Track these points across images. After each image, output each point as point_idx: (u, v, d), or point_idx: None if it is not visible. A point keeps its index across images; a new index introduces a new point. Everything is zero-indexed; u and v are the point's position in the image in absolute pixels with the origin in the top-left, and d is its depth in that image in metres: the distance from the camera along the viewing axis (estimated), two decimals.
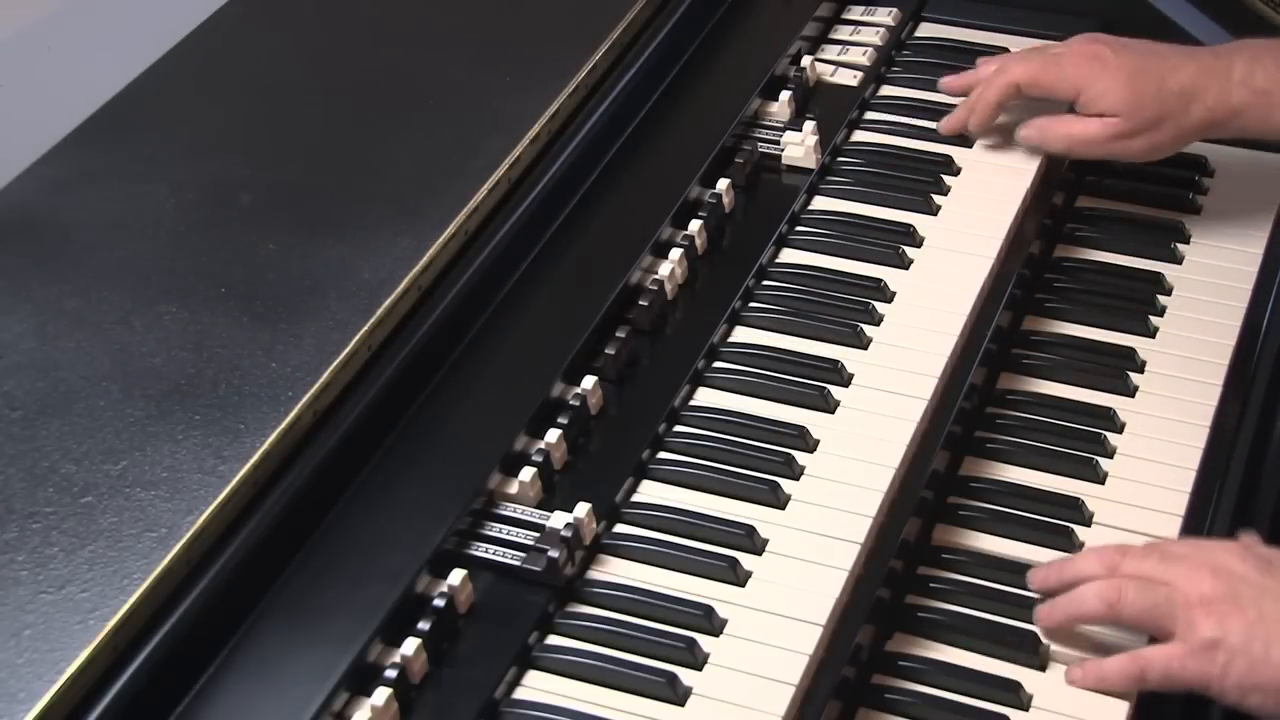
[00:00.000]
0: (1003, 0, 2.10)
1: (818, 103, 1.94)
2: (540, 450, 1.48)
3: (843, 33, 2.07)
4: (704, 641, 1.38)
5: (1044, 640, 1.49)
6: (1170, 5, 2.03)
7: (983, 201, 1.83)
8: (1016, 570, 1.54)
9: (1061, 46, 1.86)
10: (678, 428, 1.58)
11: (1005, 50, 2.05)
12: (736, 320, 1.69)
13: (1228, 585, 1.40)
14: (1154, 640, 1.44)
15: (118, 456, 1.36)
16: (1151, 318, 1.81)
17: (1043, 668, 1.48)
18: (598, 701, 1.34)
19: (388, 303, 1.50)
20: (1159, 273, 1.86)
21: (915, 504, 1.56)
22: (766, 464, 1.53)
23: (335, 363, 1.44)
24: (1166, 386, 1.73)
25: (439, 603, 1.35)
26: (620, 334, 1.60)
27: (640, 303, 1.64)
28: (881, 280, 1.73)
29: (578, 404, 1.53)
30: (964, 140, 1.92)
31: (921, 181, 1.86)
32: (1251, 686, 1.37)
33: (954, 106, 1.94)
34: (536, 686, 1.36)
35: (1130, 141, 1.79)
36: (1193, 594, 1.40)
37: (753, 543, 1.46)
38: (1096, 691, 1.44)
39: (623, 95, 1.81)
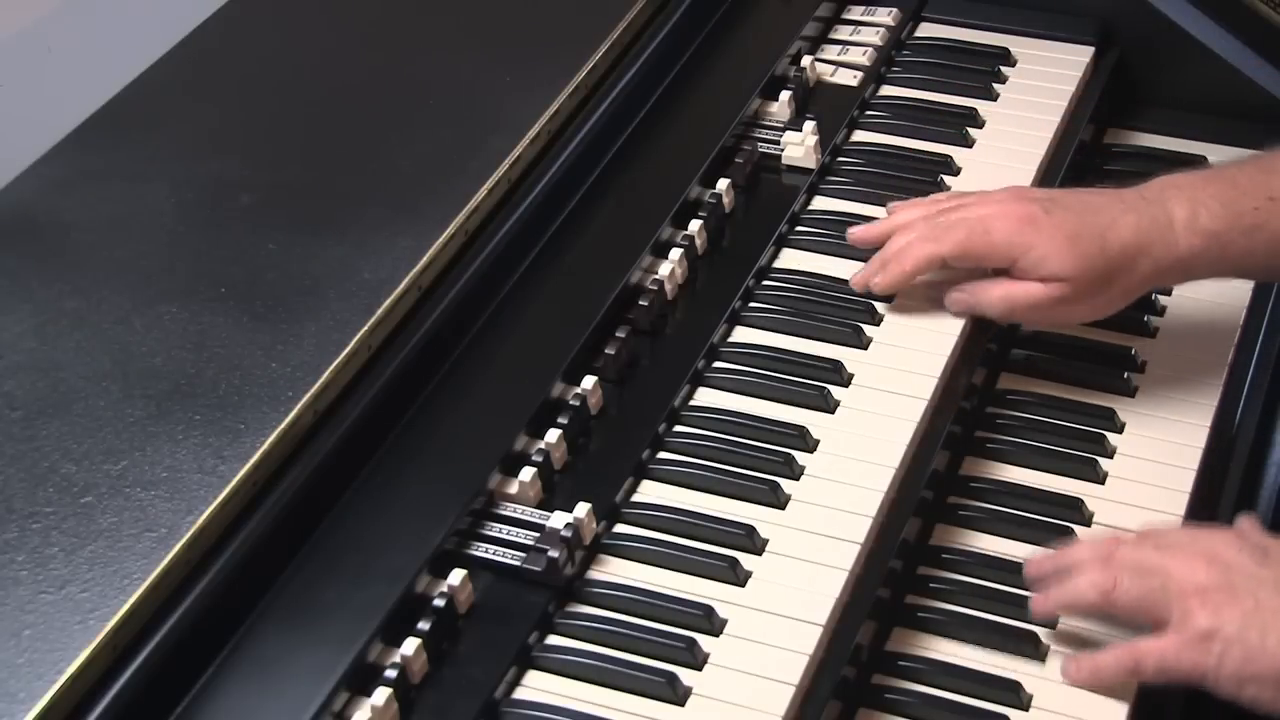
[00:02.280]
0: (1003, 0, 2.10)
1: (818, 103, 1.94)
2: (540, 450, 1.48)
3: (843, 33, 2.07)
4: (704, 641, 1.38)
5: (1044, 640, 1.49)
6: (1170, 6, 2.03)
7: None
8: (1016, 570, 1.53)
9: (987, 206, 1.65)
10: (678, 428, 1.58)
11: (1005, 51, 2.05)
12: (736, 320, 1.69)
13: (1223, 574, 1.39)
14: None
15: (118, 456, 1.36)
16: (1151, 318, 1.80)
17: (1042, 667, 1.48)
18: (598, 701, 1.35)
19: (388, 303, 1.50)
20: None
21: (915, 504, 1.55)
22: (766, 464, 1.53)
23: (335, 363, 1.44)
24: (1166, 386, 1.73)
25: (439, 603, 1.35)
26: (620, 334, 1.60)
27: (640, 303, 1.64)
28: None
29: (578, 404, 1.53)
30: (964, 140, 1.92)
31: (921, 181, 1.86)
32: (1248, 677, 1.36)
33: (963, 110, 1.94)
34: (536, 686, 1.36)
35: (1075, 306, 1.63)
36: (1188, 583, 1.39)
37: (753, 543, 1.46)
38: (1092, 686, 1.44)
39: (623, 95, 1.81)
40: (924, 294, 1.68)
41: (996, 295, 1.64)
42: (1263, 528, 1.46)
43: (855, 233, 1.74)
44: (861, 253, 1.75)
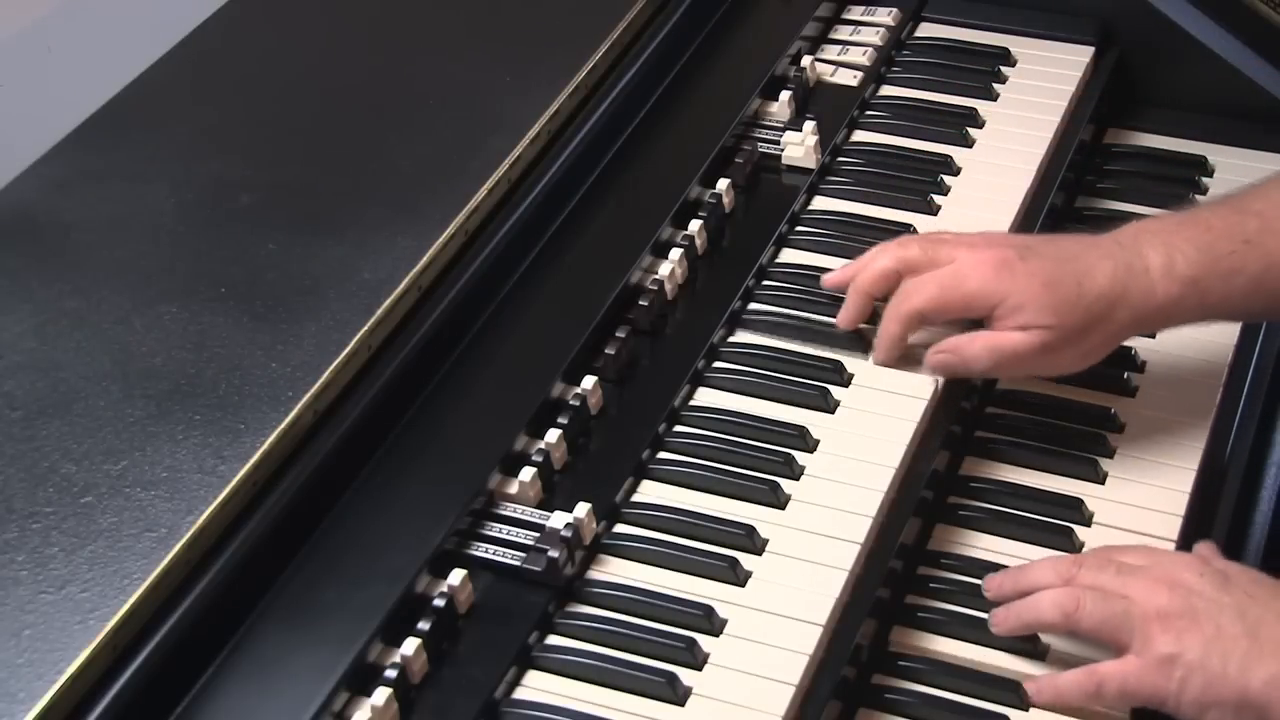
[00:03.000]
0: (1003, 0, 2.10)
1: (818, 103, 1.94)
2: (540, 450, 1.48)
3: (843, 33, 2.07)
4: (704, 641, 1.38)
5: (1044, 640, 1.48)
6: (1170, 6, 2.03)
7: (983, 201, 1.83)
8: None
9: (961, 254, 1.61)
10: (678, 428, 1.58)
11: (1005, 51, 2.05)
12: (736, 320, 1.69)
13: (1185, 600, 1.39)
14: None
15: (118, 456, 1.36)
16: None
17: (1042, 667, 1.48)
18: (598, 701, 1.34)
19: (388, 303, 1.50)
20: None
21: (915, 504, 1.55)
22: (766, 464, 1.53)
23: (335, 363, 1.44)
24: (1166, 386, 1.73)
25: (439, 603, 1.35)
26: (620, 334, 1.60)
27: (640, 303, 1.64)
28: None
29: (578, 404, 1.53)
30: (964, 140, 1.92)
31: (921, 181, 1.86)
32: (1209, 703, 1.36)
33: (963, 110, 1.94)
34: (536, 686, 1.36)
35: (1058, 355, 1.59)
36: (1150, 608, 1.39)
37: (753, 543, 1.46)
38: (1055, 708, 1.43)
39: (623, 95, 1.81)
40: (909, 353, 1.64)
41: (979, 347, 1.59)
42: (1263, 532, 1.47)
43: (828, 279, 1.69)
44: (862, 253, 1.75)
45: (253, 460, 1.36)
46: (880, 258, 1.64)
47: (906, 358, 1.63)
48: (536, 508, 1.45)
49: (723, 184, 1.77)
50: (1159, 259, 1.57)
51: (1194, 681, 1.36)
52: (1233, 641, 1.36)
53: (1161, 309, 1.58)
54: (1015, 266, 1.58)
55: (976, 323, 1.61)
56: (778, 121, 1.90)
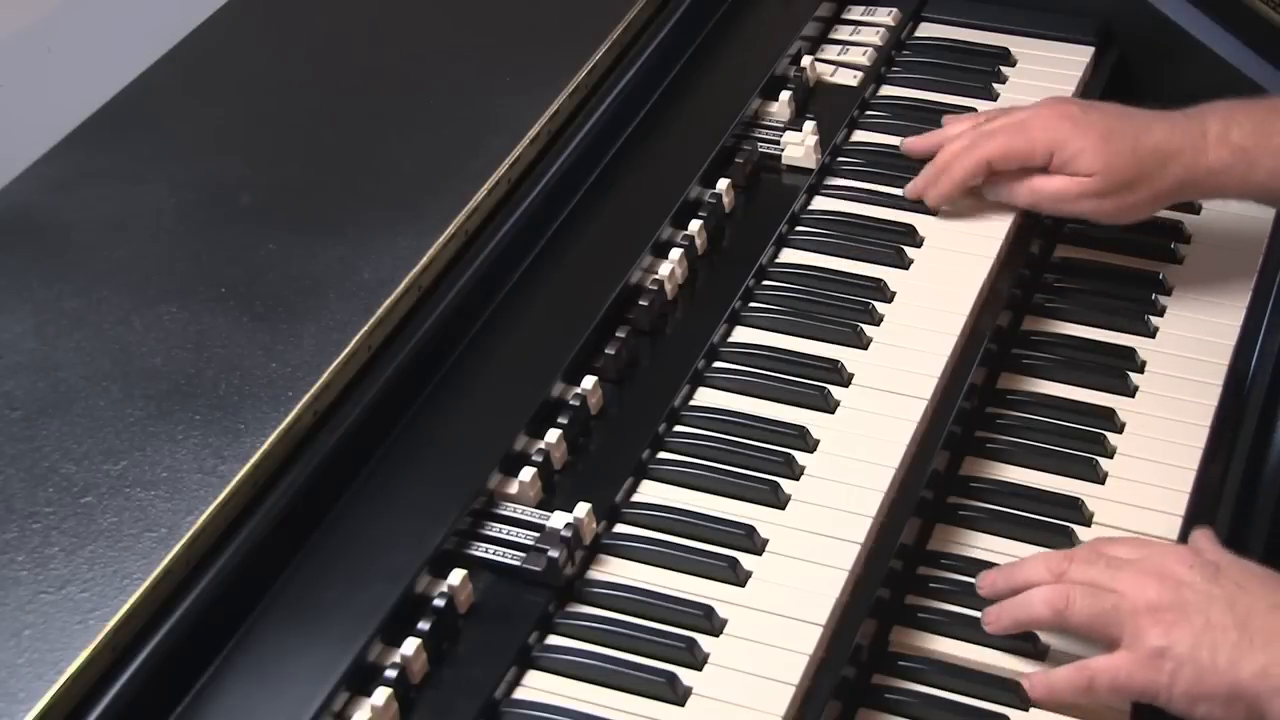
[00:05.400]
0: (1003, 0, 2.10)
1: (818, 103, 1.94)
2: (540, 450, 1.48)
3: (843, 33, 2.07)
4: (704, 641, 1.38)
5: (1044, 640, 1.49)
6: (1170, 6, 2.03)
7: (983, 202, 1.83)
8: None
9: (1028, 111, 1.79)
10: (678, 428, 1.58)
11: (1005, 51, 2.05)
12: (736, 320, 1.69)
13: (1174, 592, 1.39)
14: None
15: (118, 456, 1.36)
16: (1151, 318, 1.81)
17: (1042, 666, 1.48)
18: (598, 701, 1.34)
19: (388, 303, 1.50)
20: (1159, 272, 1.86)
21: (915, 504, 1.56)
22: (766, 464, 1.53)
23: (335, 363, 1.44)
24: (1166, 386, 1.73)
25: (439, 603, 1.35)
26: (620, 334, 1.60)
27: (640, 303, 1.64)
28: (881, 280, 1.73)
29: (578, 404, 1.53)
30: None
31: None
32: (1200, 695, 1.36)
33: (955, 108, 1.95)
34: (536, 686, 1.36)
35: (1103, 201, 1.73)
36: (1139, 602, 1.39)
37: (753, 543, 1.46)
38: (1049, 704, 1.43)
39: (623, 95, 1.81)
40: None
41: (1028, 186, 1.76)
42: (1262, 532, 1.47)
43: (908, 143, 1.86)
44: (863, 256, 1.76)
45: (253, 460, 1.36)
46: (960, 134, 1.80)
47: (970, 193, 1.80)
48: (536, 508, 1.45)
49: (723, 184, 1.77)
50: (1217, 127, 1.70)
51: (1184, 674, 1.36)
52: (1222, 633, 1.36)
53: (1211, 172, 1.70)
54: (1078, 119, 1.74)
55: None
56: (778, 121, 1.90)
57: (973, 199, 1.82)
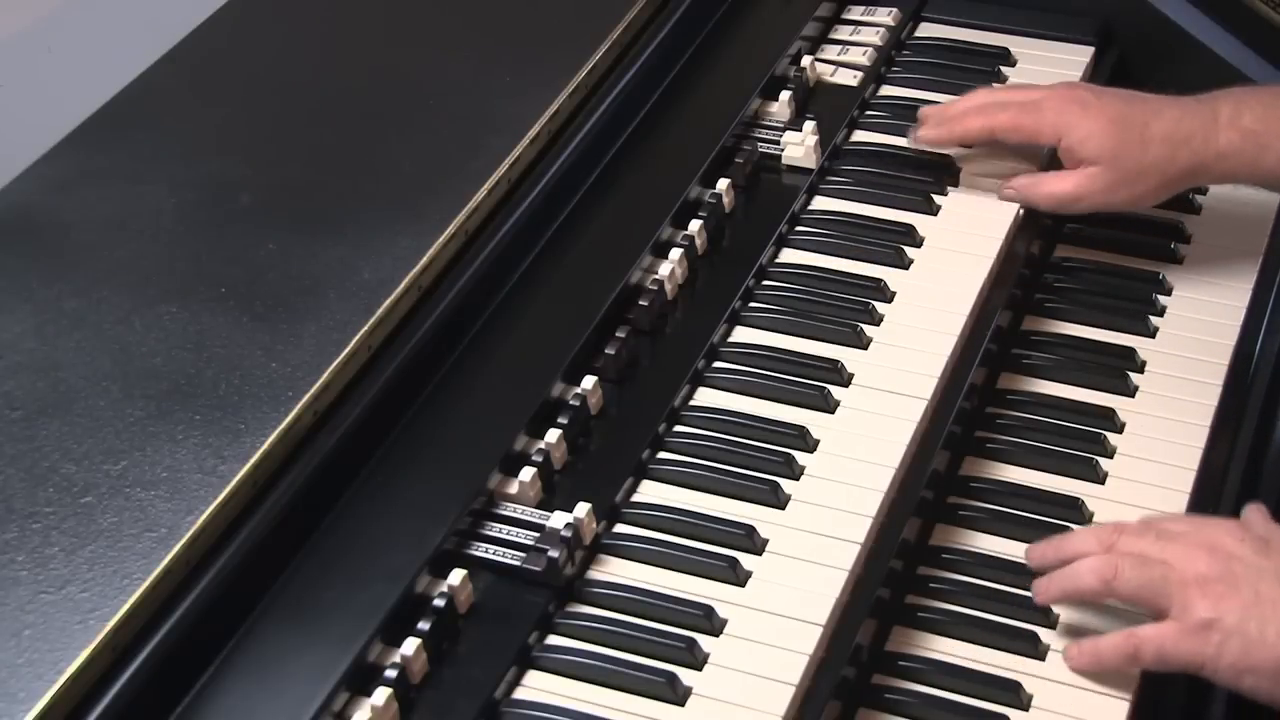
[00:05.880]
0: (1003, 0, 2.10)
1: (818, 103, 1.94)
2: (540, 450, 1.48)
3: (843, 33, 2.07)
4: (704, 641, 1.38)
5: (1044, 640, 1.49)
6: (1170, 6, 2.03)
7: (983, 201, 1.83)
8: (1016, 570, 1.54)
9: (1042, 91, 1.80)
10: (678, 428, 1.58)
11: (1005, 51, 2.05)
12: (736, 320, 1.69)
13: (1224, 565, 1.40)
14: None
15: (118, 456, 1.36)
16: (1151, 318, 1.81)
17: (1042, 666, 1.48)
18: (598, 701, 1.34)
19: (388, 303, 1.50)
20: (1159, 272, 1.86)
21: (915, 504, 1.56)
22: (766, 464, 1.53)
23: (335, 363, 1.44)
24: (1166, 386, 1.73)
25: (439, 603, 1.35)
26: (620, 334, 1.60)
27: (640, 303, 1.64)
28: (881, 280, 1.73)
29: (578, 404, 1.53)
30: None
31: (921, 181, 1.86)
32: (1246, 668, 1.37)
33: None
34: (536, 686, 1.36)
35: (1115, 191, 1.74)
36: (1188, 573, 1.40)
37: (753, 543, 1.46)
38: (1093, 670, 1.44)
39: (623, 95, 1.81)
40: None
41: (1044, 190, 1.77)
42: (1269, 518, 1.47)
43: (926, 110, 1.86)
44: (863, 256, 1.76)
45: (253, 460, 1.36)
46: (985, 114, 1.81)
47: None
48: (536, 508, 1.45)
49: (723, 184, 1.77)
50: (1228, 111, 1.71)
51: (1231, 646, 1.37)
52: (1271, 607, 1.37)
53: (1221, 155, 1.71)
54: (1089, 103, 1.74)
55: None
56: (778, 121, 1.90)
57: (973, 199, 1.83)
